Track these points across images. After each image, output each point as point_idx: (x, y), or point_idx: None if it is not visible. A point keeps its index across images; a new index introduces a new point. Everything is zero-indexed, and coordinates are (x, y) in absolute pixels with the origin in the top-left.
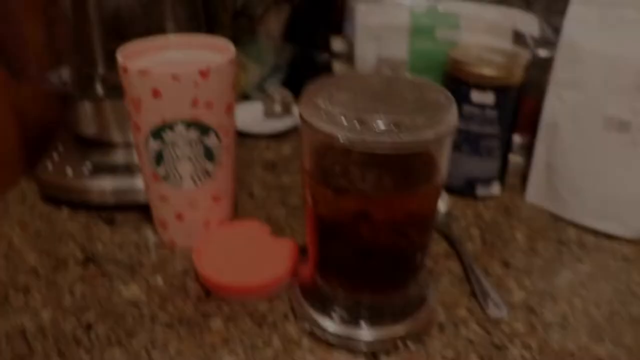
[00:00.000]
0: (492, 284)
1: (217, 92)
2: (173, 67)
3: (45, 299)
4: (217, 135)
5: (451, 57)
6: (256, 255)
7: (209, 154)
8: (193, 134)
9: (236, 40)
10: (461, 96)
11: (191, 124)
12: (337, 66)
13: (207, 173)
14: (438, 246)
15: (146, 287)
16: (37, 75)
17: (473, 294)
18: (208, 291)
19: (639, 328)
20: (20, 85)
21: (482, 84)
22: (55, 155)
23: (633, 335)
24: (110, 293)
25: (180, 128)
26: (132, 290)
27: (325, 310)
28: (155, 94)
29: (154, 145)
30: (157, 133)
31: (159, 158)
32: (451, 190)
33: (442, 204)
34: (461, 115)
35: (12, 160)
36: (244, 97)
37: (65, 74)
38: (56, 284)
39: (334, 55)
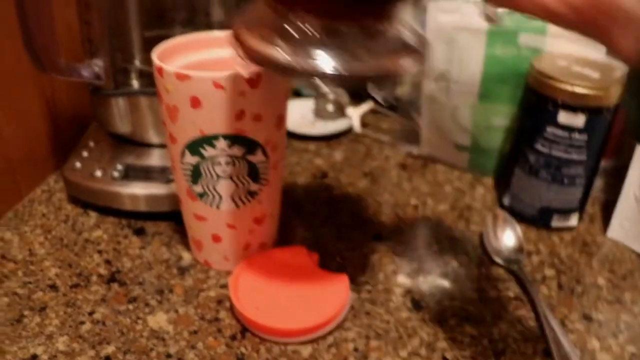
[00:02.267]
0: (572, 342)
1: (267, 102)
2: (217, 71)
3: (62, 323)
4: (264, 152)
5: (536, 68)
6: (301, 291)
7: (253, 173)
8: (237, 150)
9: None
10: (546, 116)
11: (235, 138)
12: None
13: (251, 194)
14: (507, 289)
15: (175, 318)
16: (67, 67)
17: (547, 353)
18: (244, 328)
19: None
20: (51, 77)
21: (572, 104)
22: (85, 153)
23: None
24: (134, 321)
25: (221, 143)
26: (159, 320)
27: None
28: (195, 103)
29: (190, 160)
30: (195, 147)
31: (195, 175)
32: (522, 218)
33: (513, 237)
34: (544, 138)
35: (41, 156)
36: (294, 93)
37: (98, 65)
38: (75, 305)
39: None
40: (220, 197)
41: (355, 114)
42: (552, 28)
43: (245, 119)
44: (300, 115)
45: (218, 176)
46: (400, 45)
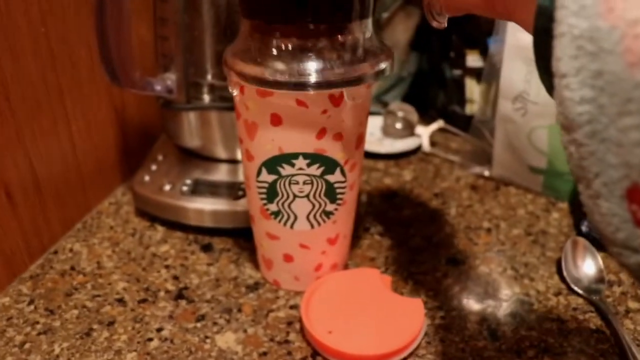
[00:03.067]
0: None
1: (349, 121)
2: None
3: (130, 338)
4: (342, 172)
5: None
6: (375, 315)
7: (331, 193)
8: (315, 170)
9: None
10: None
11: (315, 157)
12: (470, 84)
13: (326, 214)
14: (588, 321)
15: (244, 338)
16: (142, 82)
17: None
18: (315, 352)
19: None
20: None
21: None
22: (154, 167)
23: None
24: (202, 340)
25: (300, 162)
26: (228, 340)
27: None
28: (275, 120)
29: (267, 178)
30: (272, 165)
31: (271, 193)
32: (601, 246)
33: (593, 266)
34: None
35: (109, 168)
36: None
37: (171, 80)
38: (143, 320)
39: (468, 71)
40: (296, 216)
41: (424, 133)
42: None
43: (326, 137)
44: (368, 132)
45: (295, 196)
46: (368, 53)
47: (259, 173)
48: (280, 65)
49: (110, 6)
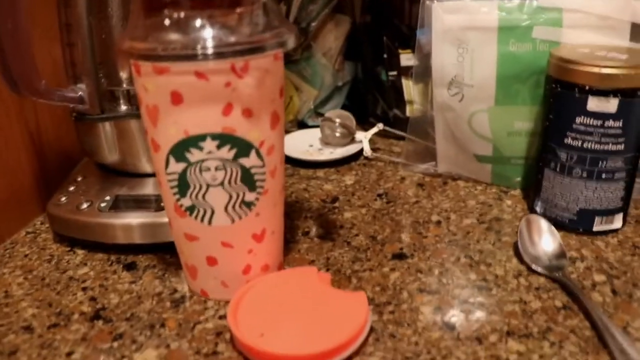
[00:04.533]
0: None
1: (258, 96)
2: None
3: None
4: (259, 155)
5: (557, 55)
6: (312, 313)
7: (248, 180)
8: (227, 153)
9: (287, 58)
10: (573, 105)
11: (224, 138)
12: (407, 85)
13: (247, 205)
14: (553, 298)
15: (166, 354)
16: (47, 90)
17: None
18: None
19: None
20: (35, 109)
21: (602, 88)
22: (71, 188)
23: None
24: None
25: (209, 144)
26: (147, 357)
27: None
28: (176, 98)
29: (176, 167)
30: (180, 151)
31: (183, 185)
32: (559, 225)
33: (552, 242)
34: (573, 129)
35: (25, 196)
36: (300, 124)
37: (82, 90)
38: (52, 346)
39: (403, 71)
40: (212, 210)
41: (364, 138)
42: (567, 19)
43: (233, 114)
44: (306, 144)
45: (208, 185)
46: (269, 25)
47: (167, 163)
48: (173, 36)
49: (4, 10)
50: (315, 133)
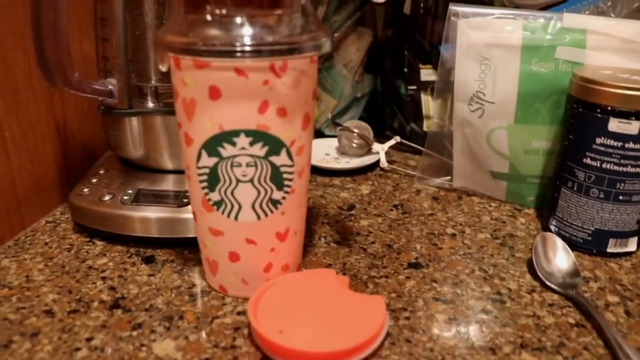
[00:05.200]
0: None
1: (293, 96)
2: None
3: (55, 349)
4: (289, 155)
5: (579, 76)
6: (331, 313)
7: (277, 178)
8: (259, 150)
9: None
10: (594, 125)
11: (258, 135)
12: (426, 100)
13: (273, 203)
14: (566, 315)
15: (185, 345)
16: (79, 82)
17: None
18: (265, 356)
19: None
20: (63, 100)
21: (624, 109)
22: (94, 180)
23: None
24: (137, 348)
25: (242, 140)
26: (166, 347)
27: None
28: (214, 93)
29: (207, 162)
30: (213, 146)
31: (212, 179)
32: (574, 244)
33: (566, 260)
34: (593, 150)
35: (48, 185)
36: (317, 134)
37: (112, 84)
38: (72, 331)
39: (423, 86)
40: (240, 205)
41: (381, 149)
42: (591, 40)
43: (268, 112)
44: (323, 153)
45: (238, 180)
46: (306, 27)
47: (198, 157)
48: (214, 32)
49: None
50: (332, 142)
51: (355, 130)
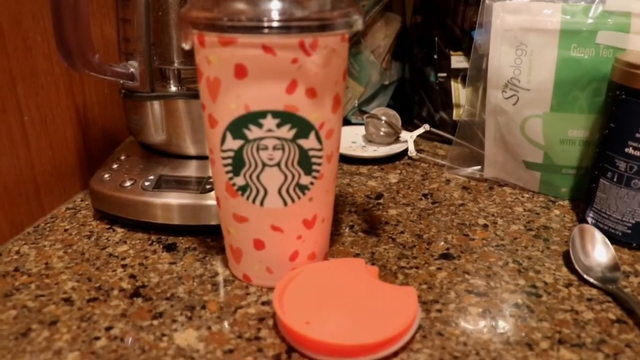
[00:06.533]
0: None
1: (322, 76)
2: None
3: (74, 338)
4: (318, 138)
5: (623, 61)
6: (360, 304)
7: (305, 163)
8: (286, 132)
9: None
10: (639, 113)
11: (285, 116)
12: (456, 88)
13: (301, 188)
14: (606, 311)
15: (207, 335)
16: (100, 65)
17: None
18: (290, 348)
19: None
20: (83, 84)
21: None
22: (115, 165)
23: None
24: (158, 338)
25: (269, 122)
26: (188, 337)
27: None
28: (240, 72)
29: (232, 145)
30: (238, 128)
31: (237, 163)
32: (613, 237)
33: (606, 253)
34: (636, 139)
35: (68, 171)
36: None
37: (134, 67)
38: (91, 319)
39: (453, 73)
40: (266, 190)
41: (410, 138)
42: (636, 25)
43: (297, 92)
44: (349, 141)
45: (264, 164)
46: (337, 3)
47: (223, 140)
48: (241, 7)
49: None
50: (359, 130)
51: (383, 118)
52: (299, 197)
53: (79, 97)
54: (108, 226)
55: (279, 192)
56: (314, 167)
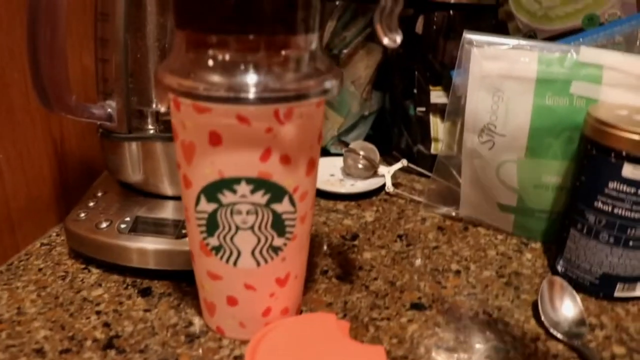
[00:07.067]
0: None
1: (297, 143)
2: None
3: None
4: (291, 201)
5: (594, 116)
6: None
7: (278, 225)
8: (260, 198)
9: None
10: (608, 170)
11: (259, 183)
12: (435, 122)
13: (274, 250)
14: None
15: None
16: (77, 106)
17: None
18: None
19: None
20: (60, 117)
21: (639, 156)
22: (91, 203)
23: None
24: None
25: (243, 188)
26: None
27: None
28: (214, 139)
29: (206, 207)
30: (212, 192)
31: (211, 225)
32: (581, 287)
33: (573, 308)
34: (605, 194)
35: (43, 206)
36: (322, 152)
37: (112, 107)
38: None
39: (432, 108)
40: (239, 252)
41: (387, 172)
42: (607, 77)
43: (271, 160)
44: (328, 173)
45: (237, 227)
46: (314, 70)
47: (197, 202)
48: (216, 78)
49: (44, 20)
50: (337, 162)
51: (361, 153)
52: (272, 258)
53: (55, 129)
54: (83, 266)
55: (252, 253)
56: (288, 229)
